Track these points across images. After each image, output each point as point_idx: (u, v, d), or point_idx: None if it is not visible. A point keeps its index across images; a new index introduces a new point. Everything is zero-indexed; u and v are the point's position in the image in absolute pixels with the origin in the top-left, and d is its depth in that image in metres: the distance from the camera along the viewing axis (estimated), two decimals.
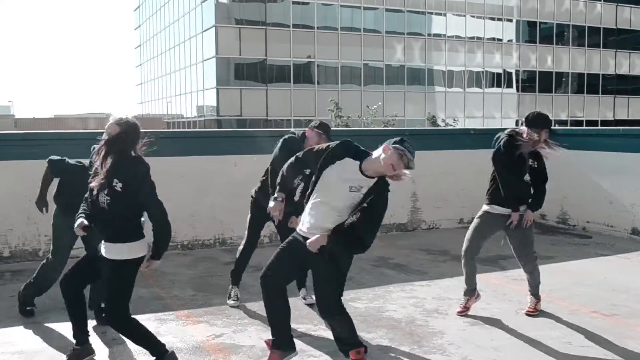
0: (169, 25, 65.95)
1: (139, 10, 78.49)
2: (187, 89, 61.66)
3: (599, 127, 52.28)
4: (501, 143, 5.49)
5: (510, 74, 64.55)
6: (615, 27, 68.30)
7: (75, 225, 4.30)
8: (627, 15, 69.04)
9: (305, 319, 5.55)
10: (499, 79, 63.78)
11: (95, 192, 4.16)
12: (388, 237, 9.21)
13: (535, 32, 65.10)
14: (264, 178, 5.96)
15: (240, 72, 54.65)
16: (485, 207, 5.66)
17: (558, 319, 5.56)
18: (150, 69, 75.34)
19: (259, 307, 5.85)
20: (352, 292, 6.35)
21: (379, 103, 37.19)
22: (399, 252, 8.19)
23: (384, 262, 7.70)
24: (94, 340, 4.78)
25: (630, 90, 70.29)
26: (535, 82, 65.41)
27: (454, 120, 45.34)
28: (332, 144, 4.25)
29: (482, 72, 62.69)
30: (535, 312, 5.65)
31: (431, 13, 59.82)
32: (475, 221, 5.70)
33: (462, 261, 5.76)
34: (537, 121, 5.51)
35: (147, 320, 5.34)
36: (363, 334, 5.14)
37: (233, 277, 6.07)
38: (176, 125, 63.91)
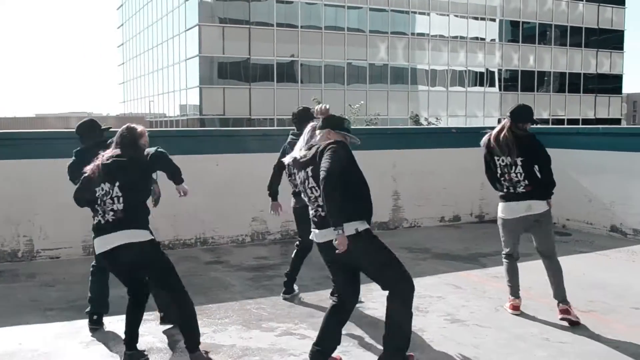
0: (152, 23, 65.63)
1: (122, 8, 78.03)
2: (170, 88, 61.40)
3: (579, 126, 52.70)
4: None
5: (492, 73, 64.93)
6: (597, 27, 68.93)
7: None
8: (609, 15, 69.68)
9: (287, 317, 5.56)
10: (481, 78, 64.14)
11: None
12: None
13: (518, 32, 65.54)
14: None
15: (224, 71, 54.52)
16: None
17: (538, 316, 5.60)
18: (133, 67, 74.93)
19: (239, 306, 5.86)
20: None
21: (362, 102, 37.19)
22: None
23: None
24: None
25: (611, 89, 71.00)
26: (517, 81, 65.84)
27: (437, 119, 45.49)
28: None
29: (465, 71, 63.01)
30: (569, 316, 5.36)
31: (415, 12, 60.04)
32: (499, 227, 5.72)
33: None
34: (521, 115, 5.51)
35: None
36: (343, 332, 5.15)
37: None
38: (159, 124, 63.62)
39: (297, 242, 6.27)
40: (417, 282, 6.62)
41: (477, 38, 63.16)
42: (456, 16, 61.72)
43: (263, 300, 6.02)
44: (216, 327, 5.31)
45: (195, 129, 36.29)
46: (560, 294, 5.46)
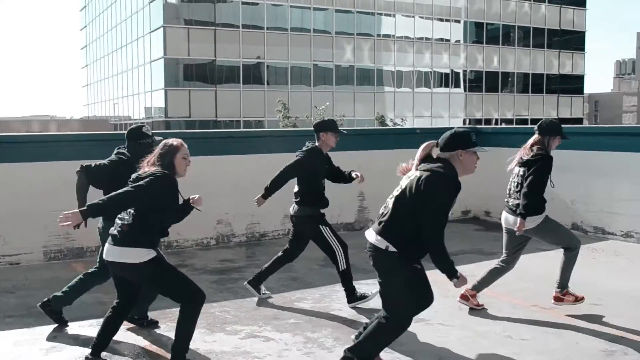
0: (116, 25, 64.91)
1: (85, 10, 77.01)
2: (134, 90, 60.78)
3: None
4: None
5: (457, 74, 65.57)
6: (559, 28, 70.05)
7: None
8: (570, 16, 70.88)
9: (251, 320, 5.53)
10: (446, 79, 64.75)
11: None
12: None
13: (482, 33, 66.30)
14: None
15: (189, 73, 54.16)
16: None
17: (500, 314, 5.67)
18: (97, 70, 74.02)
19: (203, 309, 5.79)
20: (298, 292, 6.36)
21: (327, 103, 37.30)
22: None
23: (331, 262, 7.71)
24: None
25: (573, 90, 72.23)
26: (482, 82, 66.59)
27: (402, 119, 45.78)
28: None
29: (431, 72, 63.54)
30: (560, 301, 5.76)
31: (380, 14, 60.35)
32: None
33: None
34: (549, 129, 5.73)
35: (88, 327, 5.26)
36: (308, 333, 5.16)
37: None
38: (123, 127, 62.91)
39: (286, 248, 6.19)
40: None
41: (442, 39, 63.75)
42: (421, 17, 62.21)
43: (227, 303, 5.98)
44: None
45: (159, 131, 35.94)
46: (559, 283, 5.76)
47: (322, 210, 6.05)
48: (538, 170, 5.48)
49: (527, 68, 69.22)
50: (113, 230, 4.30)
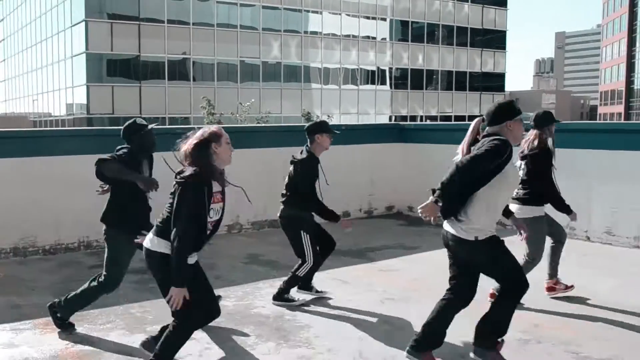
0: (35, 18, 62.74)
1: (2, 2, 74.10)
2: (55, 86, 58.91)
3: (462, 122, 54.93)
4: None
5: (383, 71, 66.45)
6: (481, 27, 71.92)
7: None
8: (492, 16, 72.91)
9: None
10: (373, 76, 65.51)
11: None
12: (260, 234, 9.24)
13: (408, 31, 67.38)
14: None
15: (113, 69, 52.88)
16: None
17: (421, 307, 5.75)
18: (15, 64, 71.37)
19: (123, 310, 5.68)
20: (221, 290, 6.28)
21: (252, 100, 37.12)
22: (270, 249, 8.20)
23: (255, 259, 7.70)
24: None
25: (494, 87, 74.36)
26: (407, 79, 67.69)
27: (328, 116, 46.03)
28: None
29: (357, 69, 64.15)
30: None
31: (308, 11, 60.50)
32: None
33: None
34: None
35: (1, 331, 5.06)
36: (230, 331, 5.12)
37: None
38: (43, 124, 60.95)
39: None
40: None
41: (368, 37, 64.44)
42: (348, 15, 62.69)
43: (148, 304, 5.87)
44: (98, 333, 5.13)
45: (79, 128, 34.93)
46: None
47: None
48: (538, 162, 5.66)
49: (451, 66, 70.82)
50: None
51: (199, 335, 5.04)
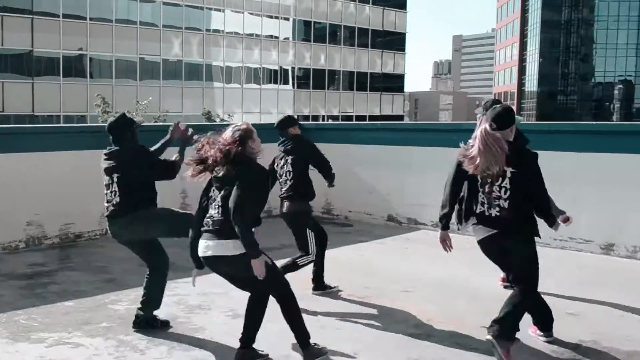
0: None
1: None
2: None
3: (360, 122, 56.09)
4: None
5: (286, 71, 66.62)
6: (382, 29, 73.38)
7: None
8: (392, 18, 74.55)
9: (59, 326, 5.22)
10: (275, 76, 65.55)
11: None
12: None
13: (310, 31, 67.85)
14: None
15: (3, 64, 50.29)
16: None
17: (318, 305, 5.80)
18: None
19: (7, 318, 5.41)
20: (112, 294, 6.13)
21: (150, 98, 36.33)
22: (169, 251, 8.00)
23: None
24: None
25: (394, 88, 76.16)
26: (309, 79, 68.17)
27: (229, 115, 45.68)
28: None
29: (260, 68, 63.99)
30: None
31: (210, 9, 59.75)
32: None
33: None
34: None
35: None
36: (121, 336, 4.98)
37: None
38: None
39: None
40: (203, 280, 6.62)
41: (271, 36, 64.41)
42: (251, 14, 62.41)
43: (35, 310, 5.62)
44: None
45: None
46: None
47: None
48: None
49: (353, 66, 71.90)
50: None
51: (88, 341, 4.88)
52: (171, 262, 7.39)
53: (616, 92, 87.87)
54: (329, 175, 6.22)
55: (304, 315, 4.62)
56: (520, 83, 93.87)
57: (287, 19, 65.93)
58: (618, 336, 4.97)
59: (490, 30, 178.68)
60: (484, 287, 6.28)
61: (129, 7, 54.84)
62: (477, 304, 5.80)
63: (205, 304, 5.84)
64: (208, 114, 42.07)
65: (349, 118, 68.96)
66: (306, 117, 65.41)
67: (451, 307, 5.76)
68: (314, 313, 5.56)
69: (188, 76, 58.81)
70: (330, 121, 60.31)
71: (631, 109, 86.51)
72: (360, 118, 68.46)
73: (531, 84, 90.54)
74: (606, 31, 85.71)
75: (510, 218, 4.33)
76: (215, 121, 40.27)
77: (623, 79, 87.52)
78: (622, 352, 4.68)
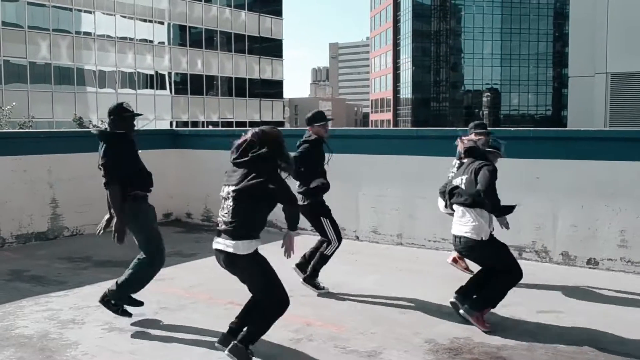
0: None
1: None
2: None
3: (234, 128, 55.86)
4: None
5: (163, 75, 65.19)
6: (258, 35, 73.46)
7: None
8: (269, 25, 74.79)
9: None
10: (152, 81, 63.99)
11: None
12: (25, 248, 8.57)
13: (186, 36, 66.81)
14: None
15: None
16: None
17: (197, 313, 5.72)
18: None
19: None
20: None
21: (14, 103, 34.38)
22: (36, 263, 7.65)
23: (18, 275, 7.12)
24: None
25: (273, 94, 76.46)
26: (187, 84, 67.11)
27: (102, 121, 44.04)
28: None
29: (135, 73, 62.24)
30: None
31: (79, 10, 57.40)
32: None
33: None
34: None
35: None
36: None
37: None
38: None
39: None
40: (75, 293, 6.37)
41: (145, 40, 62.83)
42: (123, 17, 60.56)
43: None
44: None
45: None
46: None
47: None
48: None
49: (231, 72, 71.50)
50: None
51: None
52: (41, 275, 7.10)
53: (484, 99, 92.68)
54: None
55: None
56: (396, 90, 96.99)
57: (162, 23, 64.53)
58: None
59: (365, 38, 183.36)
60: (358, 289, 6.42)
61: None
62: (354, 305, 5.93)
63: (79, 317, 5.61)
64: (79, 119, 40.36)
65: (229, 124, 68.45)
66: (185, 123, 64.37)
67: (329, 310, 5.84)
68: (198, 316, 5.48)
69: (58, 80, 56.15)
70: (210, 127, 59.67)
71: (499, 115, 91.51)
72: (240, 124, 68.12)
73: (406, 91, 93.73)
74: (473, 42, 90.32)
75: None
76: (87, 127, 38.73)
77: (490, 87, 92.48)
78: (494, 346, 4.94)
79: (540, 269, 7.22)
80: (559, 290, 6.41)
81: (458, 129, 8.23)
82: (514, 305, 5.75)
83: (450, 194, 5.45)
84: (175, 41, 66.02)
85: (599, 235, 7.22)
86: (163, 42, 64.82)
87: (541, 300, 6.06)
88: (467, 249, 5.35)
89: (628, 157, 7.08)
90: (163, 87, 65.27)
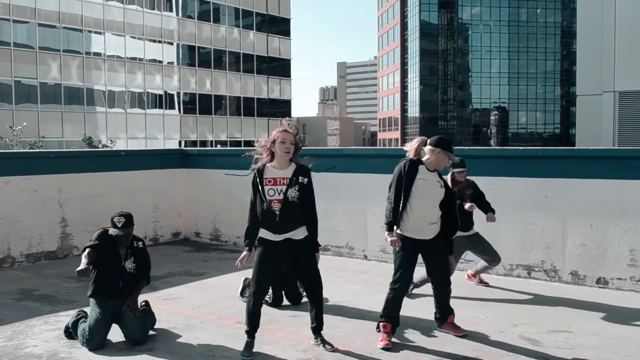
0: None
1: None
2: None
3: (242, 148, 55.98)
4: None
5: (171, 95, 65.64)
6: (267, 55, 73.94)
7: None
8: (277, 45, 75.32)
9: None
10: (160, 100, 64.41)
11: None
12: (35, 267, 8.60)
13: (195, 56, 67.31)
14: None
15: None
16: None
17: (206, 332, 5.72)
18: None
19: None
20: None
21: (25, 123, 34.70)
22: (46, 282, 7.67)
23: (28, 294, 7.14)
24: None
25: (281, 113, 76.61)
26: (196, 104, 67.50)
27: (111, 141, 44.38)
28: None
29: (144, 92, 62.68)
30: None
31: (90, 31, 58.00)
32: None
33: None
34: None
35: None
36: None
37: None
38: None
39: None
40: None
41: (154, 60, 63.35)
42: (133, 37, 61.16)
43: None
44: None
45: None
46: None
47: None
48: None
49: (239, 92, 71.90)
50: None
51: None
52: (51, 294, 7.13)
53: (492, 118, 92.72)
54: None
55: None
56: (403, 109, 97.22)
57: (171, 44, 65.11)
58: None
59: (372, 57, 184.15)
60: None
61: (1, 27, 52.34)
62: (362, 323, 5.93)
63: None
64: (89, 139, 40.62)
65: (238, 143, 68.75)
66: (194, 143, 64.67)
67: (337, 331, 5.83)
68: (207, 335, 5.48)
69: (68, 100, 56.64)
70: (219, 146, 59.84)
71: (507, 133, 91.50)
72: (249, 143, 68.36)
73: (413, 109, 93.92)
74: (480, 60, 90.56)
75: None
76: (97, 147, 39.02)
77: (498, 106, 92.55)
78: None
79: (550, 288, 7.18)
80: (569, 310, 6.38)
81: (465, 147, 8.23)
82: (524, 325, 5.72)
83: None
84: (184, 61, 66.53)
85: (609, 255, 7.18)
86: (172, 62, 65.33)
87: (551, 320, 6.02)
88: None
89: (637, 175, 7.05)
90: (172, 107, 65.68)
